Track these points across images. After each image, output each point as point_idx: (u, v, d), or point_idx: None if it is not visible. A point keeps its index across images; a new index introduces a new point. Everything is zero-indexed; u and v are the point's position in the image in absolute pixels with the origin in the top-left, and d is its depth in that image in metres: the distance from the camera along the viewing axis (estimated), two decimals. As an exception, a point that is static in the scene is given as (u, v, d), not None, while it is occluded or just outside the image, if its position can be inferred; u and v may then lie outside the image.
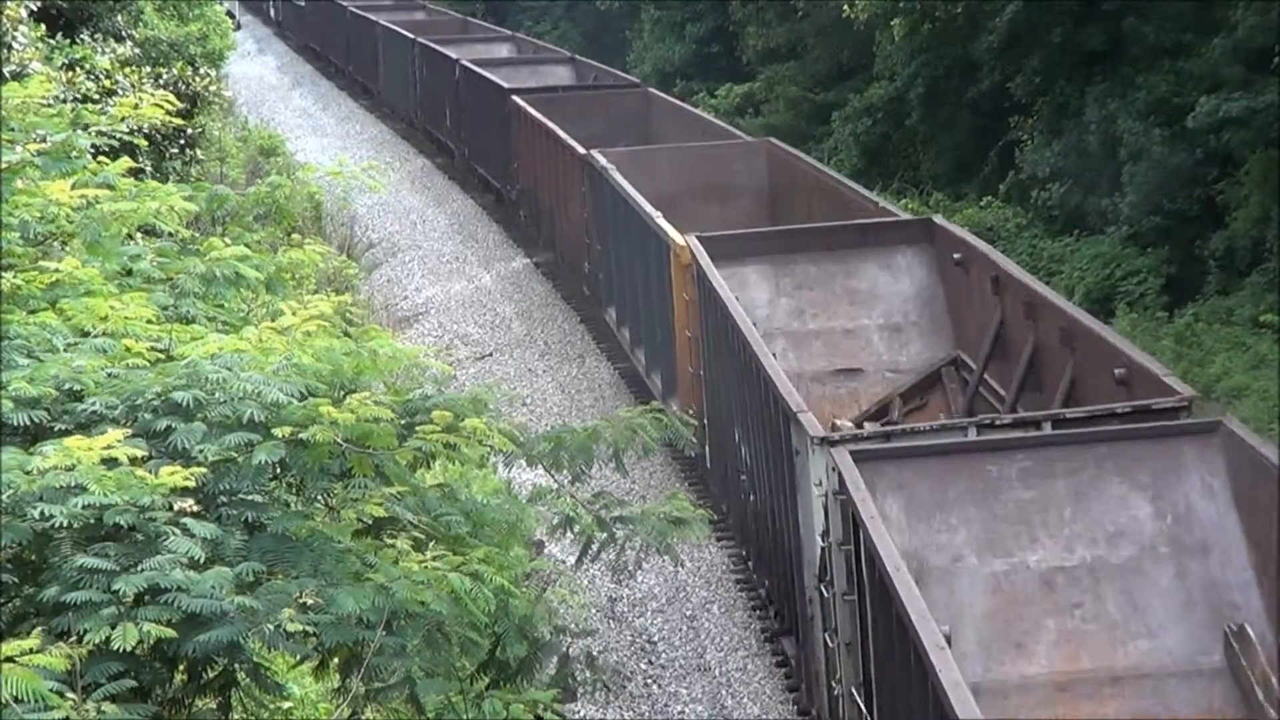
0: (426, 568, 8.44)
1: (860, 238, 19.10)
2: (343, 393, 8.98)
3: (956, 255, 17.94)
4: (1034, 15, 29.15)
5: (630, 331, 23.66)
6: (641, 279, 22.30)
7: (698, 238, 18.84)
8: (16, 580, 7.95)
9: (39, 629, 7.30)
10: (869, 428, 14.85)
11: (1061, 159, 28.77)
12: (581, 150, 25.67)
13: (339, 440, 8.48)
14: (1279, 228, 24.19)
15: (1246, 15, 25.37)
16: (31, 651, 6.93)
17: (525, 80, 35.26)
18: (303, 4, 58.79)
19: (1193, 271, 25.78)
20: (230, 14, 43.81)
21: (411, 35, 41.67)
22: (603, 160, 24.24)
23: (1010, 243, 28.86)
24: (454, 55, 37.32)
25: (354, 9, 49.90)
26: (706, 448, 19.15)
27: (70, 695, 6.98)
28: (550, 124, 28.19)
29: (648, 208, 21.37)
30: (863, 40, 35.63)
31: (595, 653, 10.64)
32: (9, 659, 6.88)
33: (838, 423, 16.71)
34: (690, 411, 18.52)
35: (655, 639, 17.63)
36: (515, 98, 31.35)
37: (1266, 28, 24.95)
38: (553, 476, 9.69)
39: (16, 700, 6.78)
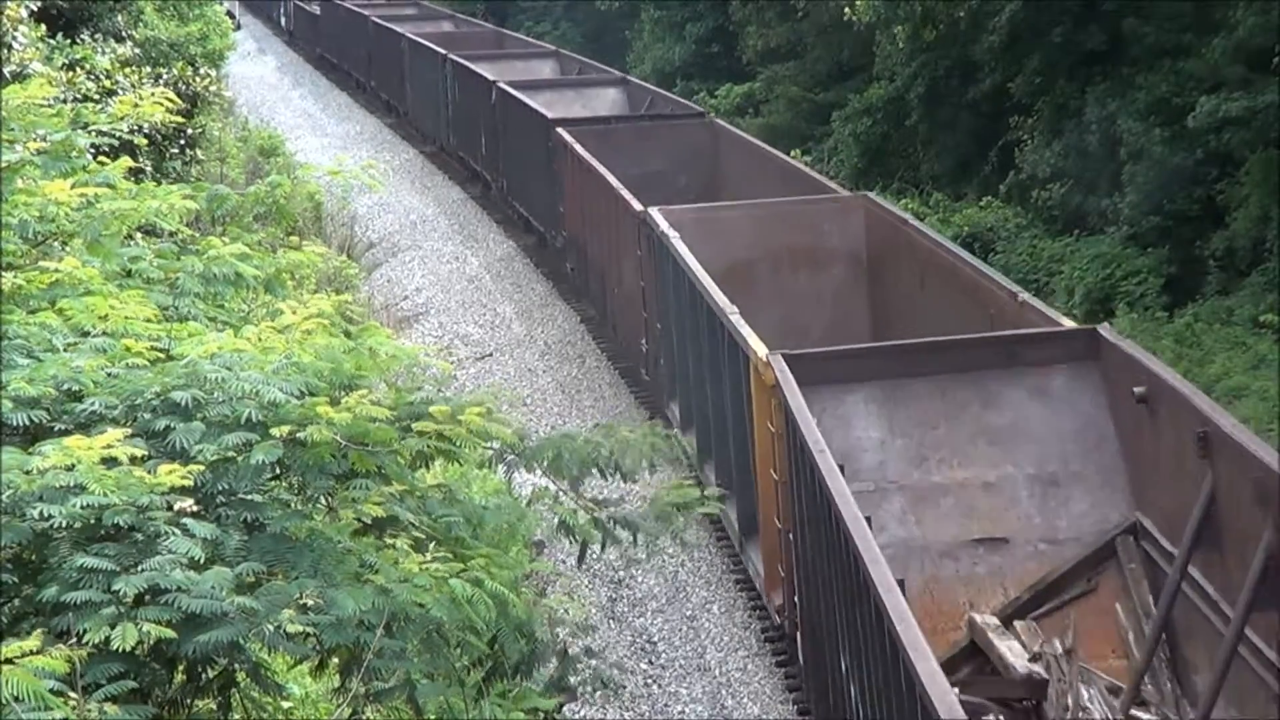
0: (427, 570, 8.44)
1: (1001, 354, 14.65)
2: (342, 392, 8.98)
3: (1138, 389, 13.51)
4: (1034, 15, 29.17)
5: (699, 440, 19.27)
6: (713, 383, 18.11)
7: (785, 356, 14.40)
8: (16, 580, 7.94)
9: (39, 629, 7.30)
10: None
11: (1061, 159, 28.79)
12: (638, 206, 21.83)
13: (338, 439, 8.48)
14: (1279, 228, 24.19)
15: (1246, 15, 25.37)
16: (32, 653, 6.93)
17: (571, 106, 31.71)
18: (317, 12, 54.80)
19: (1193, 271, 25.80)
20: (230, 14, 43.78)
21: (442, 50, 37.79)
22: (664, 224, 20.26)
23: (1010, 243, 28.90)
24: (490, 76, 33.45)
25: (377, 19, 46.08)
26: (799, 636, 14.97)
27: (71, 696, 6.98)
28: (601, 168, 24.47)
29: (721, 299, 17.28)
30: (863, 40, 35.65)
31: (595, 649, 10.61)
32: (8, 660, 6.88)
33: (979, 619, 13.17)
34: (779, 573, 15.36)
35: (655, 639, 17.63)
36: (560, 130, 27.54)
37: (1266, 28, 24.96)
38: (552, 481, 9.69)
39: (16, 700, 6.78)
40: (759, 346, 15.44)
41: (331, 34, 52.70)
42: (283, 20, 61.27)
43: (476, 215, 35.61)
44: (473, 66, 35.27)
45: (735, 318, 16.64)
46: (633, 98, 32.88)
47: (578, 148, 26.08)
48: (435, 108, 38.81)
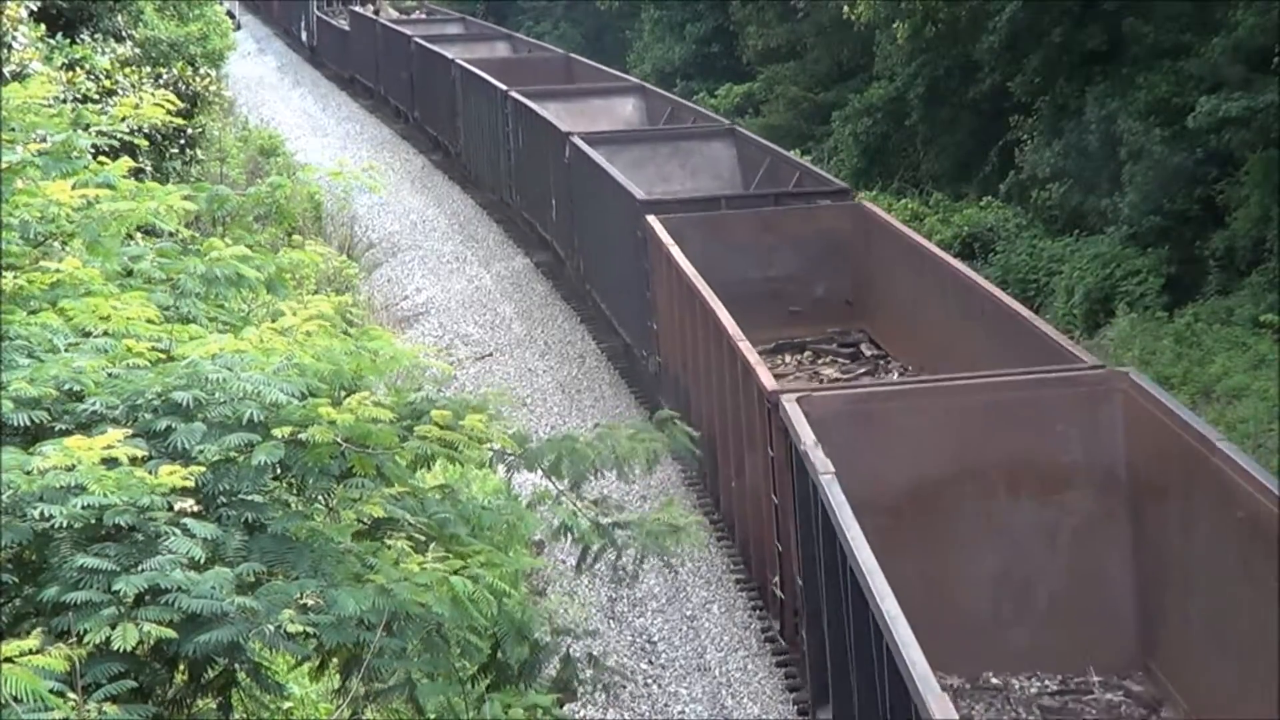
0: (427, 569, 8.46)
1: None
2: (343, 393, 9.00)
3: None
4: (1034, 15, 29.18)
5: None
6: None
7: None
8: (16, 580, 7.96)
9: (39, 629, 7.31)
10: None
11: (1061, 159, 28.79)
12: (769, 383, 14.46)
13: (339, 440, 8.50)
14: (1279, 228, 24.20)
15: (1246, 15, 25.38)
16: (31, 652, 6.95)
17: (666, 167, 25.20)
18: (345, 27, 48.51)
19: (1193, 271, 25.80)
20: (230, 14, 43.76)
21: (502, 86, 30.97)
22: (809, 437, 12.51)
23: (1010, 243, 28.91)
24: (562, 125, 26.75)
25: (420, 39, 39.60)
26: None
27: (71, 696, 6.99)
28: (715, 303, 17.08)
29: (924, 678, 9.09)
30: (863, 40, 35.68)
31: (597, 653, 10.61)
32: (8, 659, 6.89)
33: None
34: None
35: (655, 639, 17.63)
36: (653, 220, 20.49)
37: (1266, 28, 24.96)
38: (552, 482, 9.70)
39: (16, 700, 6.79)
40: None
41: (364, 54, 46.03)
42: (303, 35, 53.91)
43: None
44: (540, 110, 28.46)
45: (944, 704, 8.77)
46: (745, 158, 25.36)
47: (677, 256, 18.98)
48: (494, 153, 32.35)
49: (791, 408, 13.22)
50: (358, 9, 48.98)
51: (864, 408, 13.78)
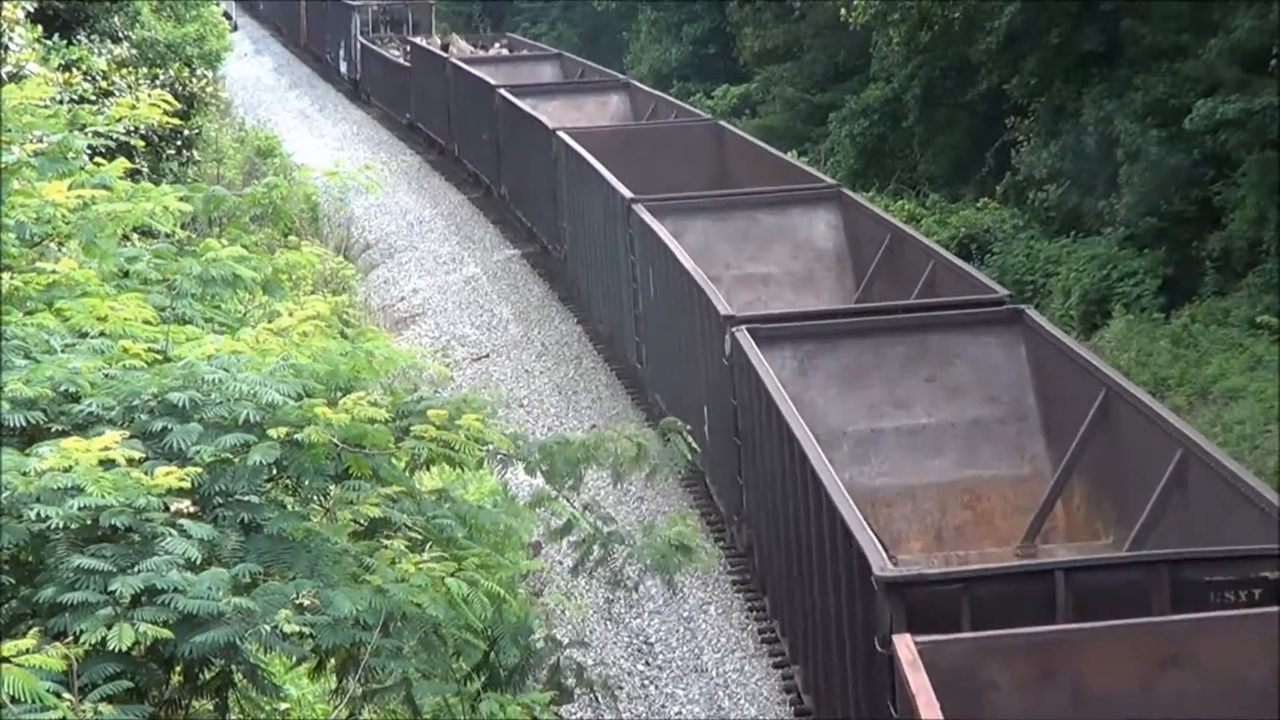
0: (423, 570, 8.46)
1: None
2: (340, 394, 8.99)
3: None
4: (1032, 16, 29.18)
5: None
6: None
7: None
8: (13, 581, 7.95)
9: (35, 630, 7.31)
10: None
11: (1058, 160, 28.79)
12: None
13: (335, 441, 8.50)
14: (1276, 229, 24.21)
15: (1244, 17, 25.39)
16: (28, 651, 6.95)
17: (902, 389, 15.28)
18: (403, 63, 40.64)
19: (1189, 273, 25.80)
20: (227, 15, 43.65)
21: (627, 193, 21.24)
22: None
23: (1007, 244, 28.91)
24: (722, 307, 16.48)
25: (508, 94, 30.48)
26: None
27: (67, 696, 6.99)
28: None
29: None
30: (859, 41, 35.68)
31: (586, 664, 10.56)
32: (6, 659, 6.89)
33: None
34: None
35: (652, 640, 17.63)
36: (905, 646, 8.65)
37: (1264, 29, 24.96)
38: (549, 484, 9.69)
39: (14, 700, 6.79)
40: None
41: (430, 99, 37.26)
42: (342, 65, 46.04)
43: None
44: (685, 260, 18.48)
45: None
46: (1040, 364, 15.11)
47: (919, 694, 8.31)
48: (613, 281, 23.05)
49: None
50: (419, 41, 41.86)
51: None
